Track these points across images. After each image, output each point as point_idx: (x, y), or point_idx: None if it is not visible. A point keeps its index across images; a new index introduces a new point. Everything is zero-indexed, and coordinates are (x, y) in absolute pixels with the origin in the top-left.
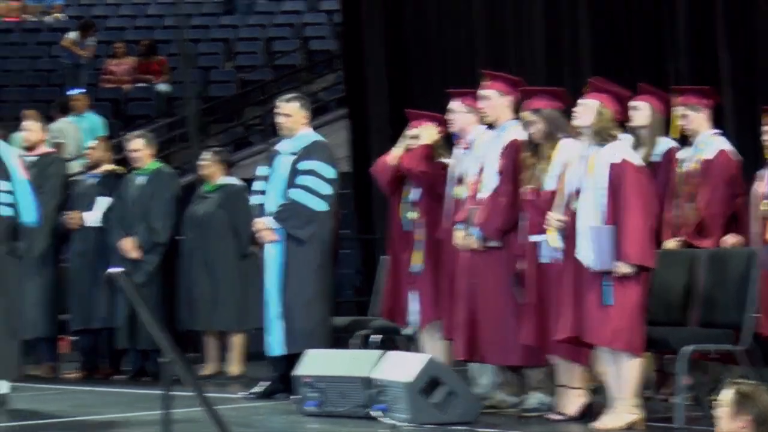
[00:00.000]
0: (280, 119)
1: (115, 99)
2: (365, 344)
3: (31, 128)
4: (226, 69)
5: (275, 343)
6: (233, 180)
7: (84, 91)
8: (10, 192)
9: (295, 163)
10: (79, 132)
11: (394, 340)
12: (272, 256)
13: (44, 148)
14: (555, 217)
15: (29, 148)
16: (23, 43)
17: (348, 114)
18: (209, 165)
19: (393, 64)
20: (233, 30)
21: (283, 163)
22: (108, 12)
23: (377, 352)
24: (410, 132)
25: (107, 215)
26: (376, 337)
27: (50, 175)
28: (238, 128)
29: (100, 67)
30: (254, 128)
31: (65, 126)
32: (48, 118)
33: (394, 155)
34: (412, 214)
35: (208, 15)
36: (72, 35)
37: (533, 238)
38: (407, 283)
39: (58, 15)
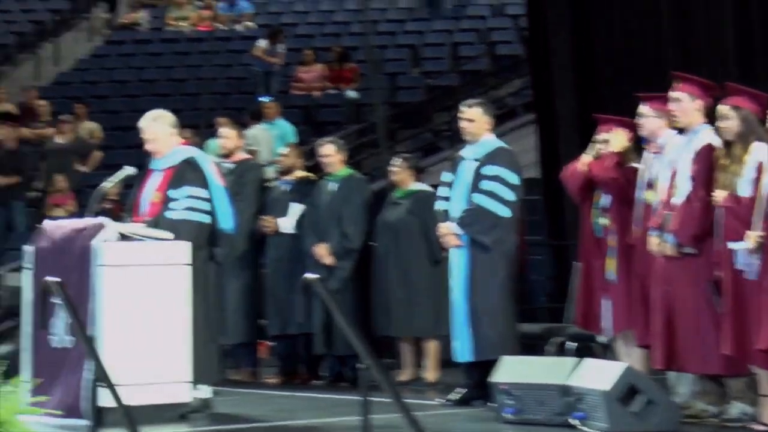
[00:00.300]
0: (463, 124)
1: (305, 106)
2: (561, 351)
3: (227, 135)
4: (413, 75)
5: (463, 350)
6: (424, 186)
7: (274, 98)
8: (207, 199)
9: (478, 168)
10: (271, 139)
11: (590, 347)
12: (457, 262)
13: (241, 155)
14: (755, 234)
15: (226, 155)
16: (215, 51)
17: (535, 119)
18: (399, 171)
19: (580, 67)
20: (419, 36)
21: (467, 169)
22: (297, 20)
23: (573, 360)
24: (600, 137)
25: (300, 221)
26: (572, 345)
27: (248, 182)
28: (426, 134)
29: (290, 74)
30: (442, 134)
31: (258, 133)
32: (241, 125)
33: (583, 162)
34: (604, 221)
35: (394, 21)
36: (262, 43)
37: (731, 245)
38: (601, 290)
39: (249, 23)
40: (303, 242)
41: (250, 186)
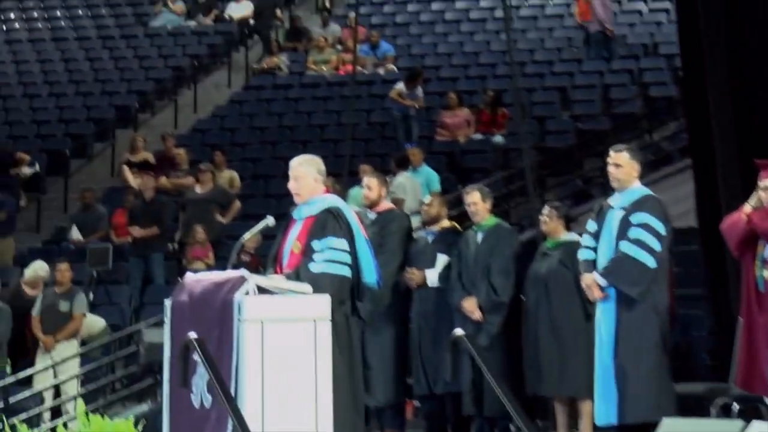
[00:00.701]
0: (610, 170)
1: (450, 152)
2: (725, 413)
3: (371, 185)
4: (562, 118)
5: (608, 413)
6: (575, 236)
7: (417, 143)
8: (350, 251)
9: (625, 217)
10: (418, 186)
11: (757, 409)
12: (602, 315)
13: (385, 204)
14: None
15: (369, 206)
16: (356, 96)
17: (692, 164)
18: (549, 220)
19: (740, 109)
20: (568, 77)
21: (613, 218)
22: (440, 62)
23: (740, 423)
24: (762, 184)
25: (446, 274)
26: (737, 406)
27: (392, 232)
28: (576, 181)
29: (432, 118)
30: (593, 180)
31: (404, 181)
32: (384, 172)
33: (744, 211)
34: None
35: (541, 62)
36: (399, 86)
37: None
38: (765, 348)
39: (391, 66)
40: (449, 296)
41: (395, 237)
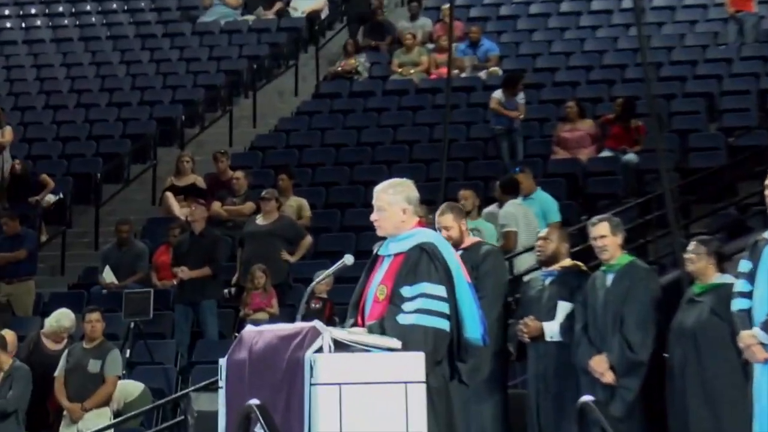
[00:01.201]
0: None
1: (571, 174)
2: None
3: (446, 223)
4: (709, 132)
5: None
6: (730, 278)
7: (525, 164)
8: (447, 300)
9: None
10: (531, 217)
11: None
12: (764, 378)
13: (470, 239)
14: None
15: (454, 245)
16: (453, 105)
17: None
18: (697, 259)
19: None
20: (716, 81)
21: None
22: (555, 63)
23: None
24: None
25: (569, 325)
26: None
27: (486, 273)
28: (729, 209)
29: (548, 133)
30: (750, 209)
31: (514, 210)
32: (488, 201)
33: None
34: None
35: (682, 63)
36: (497, 94)
37: None
38: None
39: (495, 68)
40: (573, 353)
41: (490, 279)
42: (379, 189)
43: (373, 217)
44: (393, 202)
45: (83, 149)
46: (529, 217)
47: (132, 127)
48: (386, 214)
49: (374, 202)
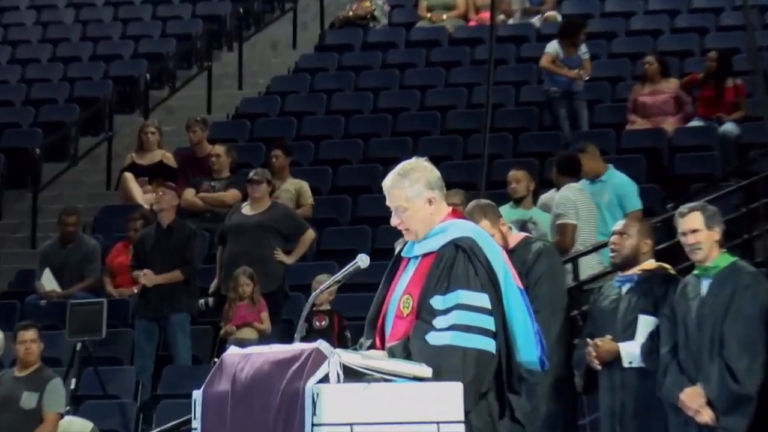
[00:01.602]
0: None
1: (653, 149)
2: None
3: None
4: None
5: None
6: None
7: (589, 137)
8: (493, 312)
9: None
10: (590, 203)
11: None
12: None
13: (516, 236)
14: None
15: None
16: (500, 60)
17: None
18: None
19: None
20: None
21: None
22: (631, 6)
23: None
24: None
25: (652, 346)
26: None
27: (539, 279)
28: None
29: (620, 96)
30: None
31: (574, 196)
32: (544, 185)
33: None
34: None
35: None
36: (553, 47)
37: None
38: None
39: (552, 13)
40: (659, 383)
41: (545, 285)
42: (388, 185)
43: (394, 222)
44: (412, 195)
45: (18, 117)
46: (588, 203)
47: (81, 89)
48: (410, 214)
49: (389, 202)
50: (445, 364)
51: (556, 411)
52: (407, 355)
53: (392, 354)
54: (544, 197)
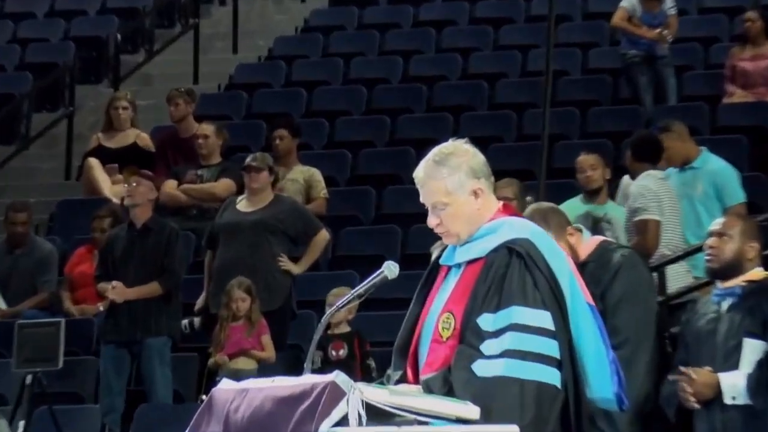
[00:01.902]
0: None
1: (755, 127)
2: None
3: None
4: None
5: None
6: None
7: (672, 112)
8: (557, 334)
9: None
10: (675, 196)
11: None
12: None
13: (585, 244)
14: None
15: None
16: (562, 17)
17: None
18: None
19: None
20: None
21: None
22: None
23: None
24: None
25: (761, 378)
26: None
27: (620, 299)
28: None
29: (715, 62)
30: None
31: (652, 186)
32: (618, 171)
33: None
34: None
35: None
36: (627, 1)
37: None
38: None
39: None
40: None
41: (630, 304)
42: (422, 175)
43: (431, 222)
44: (453, 187)
45: None
46: (673, 199)
47: (36, 53)
48: (450, 211)
49: (423, 198)
50: (496, 402)
51: None
52: (448, 390)
53: (428, 389)
54: (624, 186)
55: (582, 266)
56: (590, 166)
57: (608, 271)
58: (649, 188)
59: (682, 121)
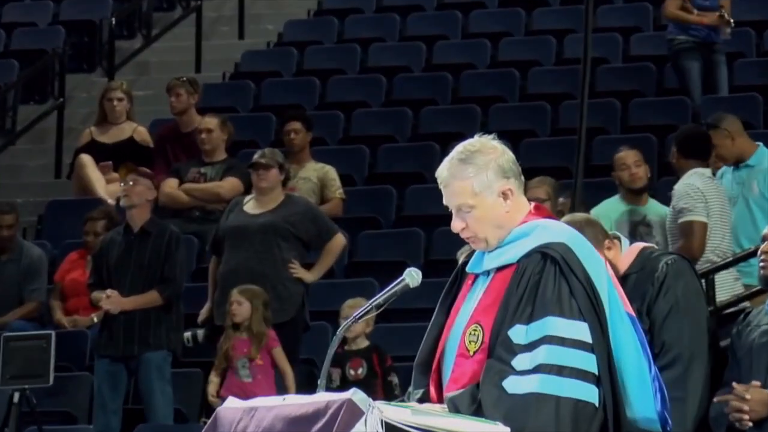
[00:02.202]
0: None
1: None
2: None
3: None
4: None
5: None
6: None
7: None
8: (595, 349)
9: None
10: (724, 197)
11: None
12: None
13: (628, 251)
14: None
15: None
16: None
17: None
18: None
19: None
20: None
21: None
22: None
23: None
24: None
25: None
26: None
27: (670, 309)
28: None
29: None
30: None
31: (700, 185)
32: (662, 170)
33: None
34: None
35: None
36: None
37: None
38: None
39: None
40: None
41: (680, 315)
42: (445, 175)
43: (456, 227)
44: (480, 187)
45: None
46: (725, 201)
47: (22, 39)
48: (477, 214)
49: (446, 200)
50: (530, 421)
51: None
52: (476, 409)
53: (455, 407)
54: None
55: (623, 279)
56: (634, 162)
57: (653, 282)
58: (695, 187)
59: (735, 115)
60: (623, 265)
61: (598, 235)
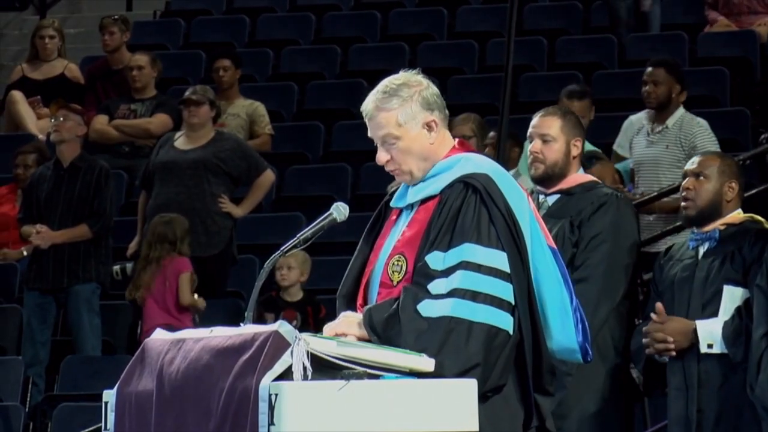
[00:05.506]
0: None
1: (739, 59)
2: None
3: (546, 130)
4: None
5: None
6: None
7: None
8: (511, 278)
9: None
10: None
11: None
12: None
13: (578, 177)
14: None
15: (539, 179)
16: None
17: None
18: None
19: None
20: None
21: None
22: None
23: None
24: None
25: (740, 327)
26: None
27: (597, 237)
28: None
29: None
30: None
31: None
32: (612, 107)
33: None
34: None
35: None
36: None
37: None
38: None
39: None
40: (750, 378)
41: (608, 245)
42: (370, 107)
43: (381, 159)
44: (404, 118)
45: None
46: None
47: None
48: (401, 145)
49: (371, 132)
50: (443, 344)
51: (611, 418)
52: (395, 333)
53: (371, 318)
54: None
55: (561, 194)
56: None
57: (593, 201)
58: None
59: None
60: (568, 182)
61: (575, 122)
